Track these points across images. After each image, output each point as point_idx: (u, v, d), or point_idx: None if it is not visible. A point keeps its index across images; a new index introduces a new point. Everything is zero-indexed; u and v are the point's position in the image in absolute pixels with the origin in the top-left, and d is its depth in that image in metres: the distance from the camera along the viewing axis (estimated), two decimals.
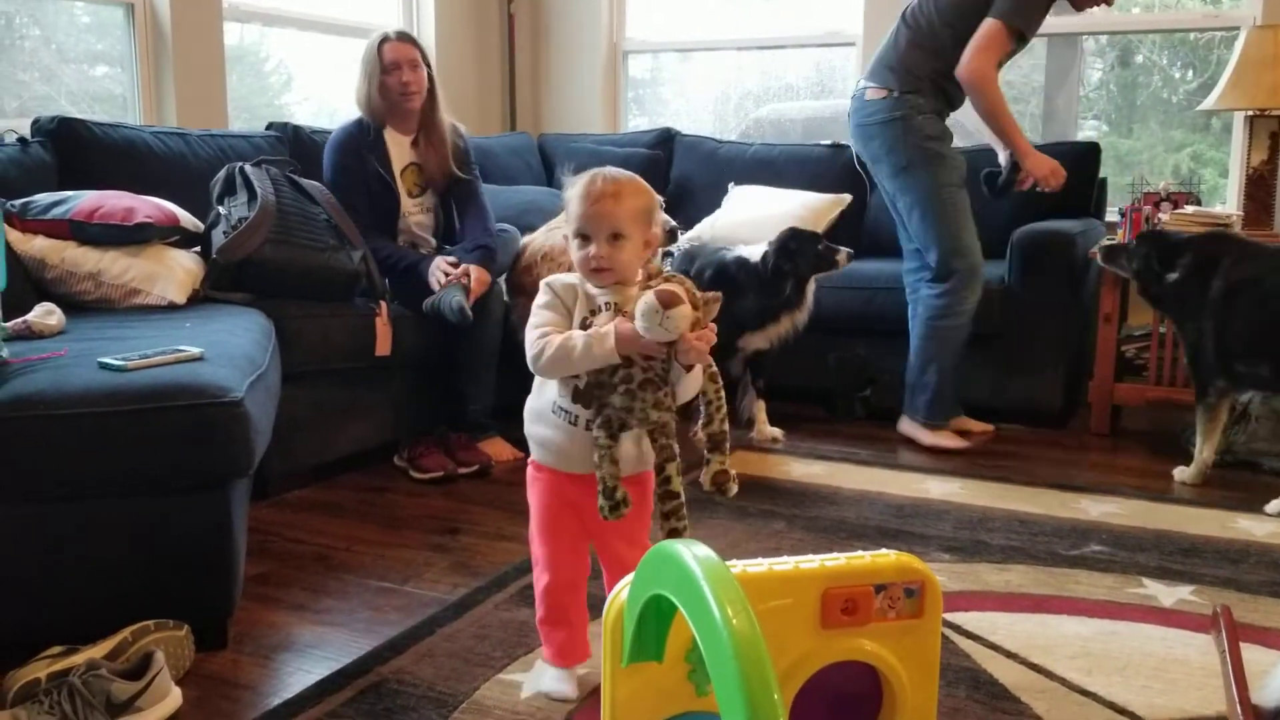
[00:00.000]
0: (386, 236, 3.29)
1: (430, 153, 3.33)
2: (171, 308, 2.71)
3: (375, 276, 3.10)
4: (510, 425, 3.32)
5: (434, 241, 3.42)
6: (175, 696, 1.76)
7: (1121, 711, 1.75)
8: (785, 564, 1.27)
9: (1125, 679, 1.86)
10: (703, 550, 1.00)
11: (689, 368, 1.59)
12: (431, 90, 3.28)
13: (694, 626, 0.94)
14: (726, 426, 1.64)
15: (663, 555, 1.03)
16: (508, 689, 1.80)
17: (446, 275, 3.09)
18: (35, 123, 3.08)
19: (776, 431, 3.49)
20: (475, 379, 3.24)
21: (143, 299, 2.72)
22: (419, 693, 1.78)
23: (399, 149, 3.32)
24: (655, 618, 1.13)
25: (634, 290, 1.60)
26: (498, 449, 3.23)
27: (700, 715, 1.24)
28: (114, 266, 2.71)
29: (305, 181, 3.12)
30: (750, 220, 4.05)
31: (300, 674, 1.90)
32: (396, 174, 3.31)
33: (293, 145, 3.63)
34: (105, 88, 3.72)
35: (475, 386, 3.24)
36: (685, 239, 3.99)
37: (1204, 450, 3.05)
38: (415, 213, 3.38)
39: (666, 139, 4.77)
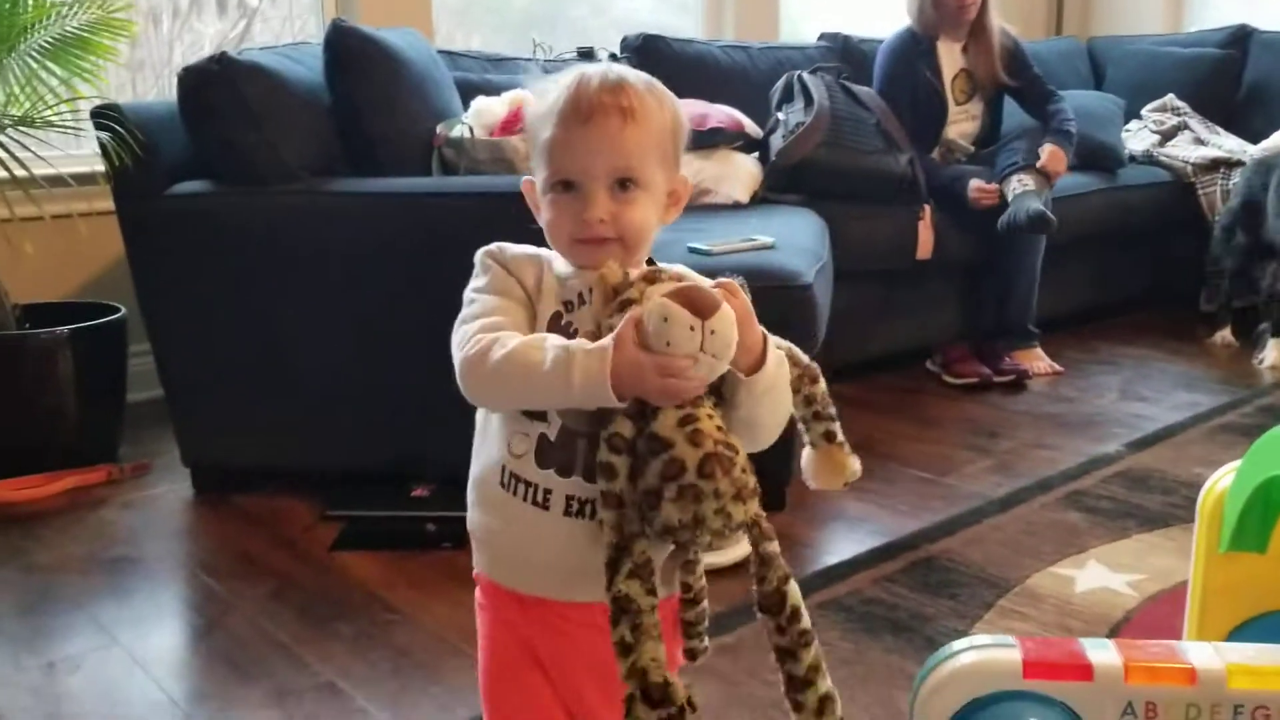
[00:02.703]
0: (926, 147, 3.30)
1: (980, 58, 3.31)
2: (736, 206, 2.95)
3: (920, 180, 3.13)
4: (1049, 337, 3.26)
5: (972, 149, 3.38)
6: (744, 546, 1.96)
7: None
8: None
9: None
10: None
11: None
12: None
13: None
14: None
15: None
16: (1061, 581, 1.80)
17: (982, 192, 3.11)
18: (623, 40, 3.47)
19: None
20: (1017, 286, 3.17)
21: (711, 198, 2.99)
22: (970, 572, 1.84)
23: (950, 57, 3.32)
24: (1262, 505, 1.08)
25: (637, 281, 0.89)
26: (1036, 360, 3.16)
27: None
28: (688, 168, 2.97)
29: (856, 87, 3.22)
30: None
31: (851, 542, 2.04)
32: (947, 82, 3.32)
33: (842, 54, 3.74)
34: (640, 18, 4.01)
35: (1017, 293, 3.17)
36: (1260, 148, 3.55)
37: None
38: (960, 120, 3.37)
39: (1240, 37, 4.22)
